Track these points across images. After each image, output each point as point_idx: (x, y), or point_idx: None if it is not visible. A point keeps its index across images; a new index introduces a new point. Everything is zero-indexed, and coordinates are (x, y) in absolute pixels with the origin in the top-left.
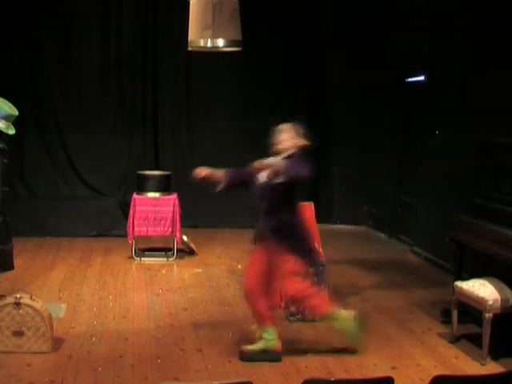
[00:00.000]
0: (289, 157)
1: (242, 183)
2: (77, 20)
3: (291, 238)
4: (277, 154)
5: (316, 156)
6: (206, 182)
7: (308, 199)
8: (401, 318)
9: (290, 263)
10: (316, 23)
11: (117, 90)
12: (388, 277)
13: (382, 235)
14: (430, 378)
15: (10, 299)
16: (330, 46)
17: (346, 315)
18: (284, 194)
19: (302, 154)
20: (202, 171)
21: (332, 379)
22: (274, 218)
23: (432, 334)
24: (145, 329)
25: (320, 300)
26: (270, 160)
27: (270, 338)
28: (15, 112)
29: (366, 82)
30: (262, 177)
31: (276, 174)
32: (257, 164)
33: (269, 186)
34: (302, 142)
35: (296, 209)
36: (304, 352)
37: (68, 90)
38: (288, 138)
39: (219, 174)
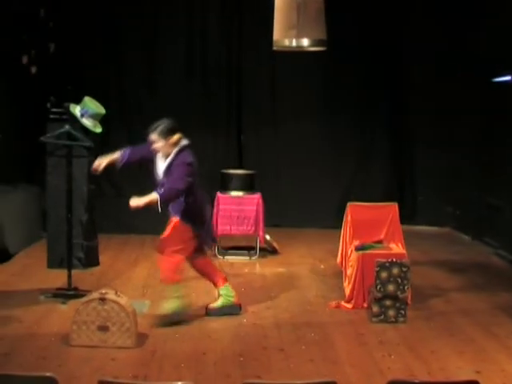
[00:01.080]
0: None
1: (142, 159)
2: (162, 19)
3: (191, 220)
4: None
5: (400, 157)
6: (110, 167)
7: (392, 200)
8: (484, 321)
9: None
10: (398, 22)
11: (201, 89)
12: (472, 279)
13: (466, 237)
14: None
15: (95, 295)
16: (413, 46)
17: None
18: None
19: (182, 149)
20: (98, 163)
21: (416, 381)
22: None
23: None
24: (227, 327)
25: (173, 270)
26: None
27: (227, 294)
28: (102, 110)
29: (450, 82)
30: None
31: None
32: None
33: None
34: (173, 139)
35: (195, 195)
36: (387, 353)
37: (153, 88)
38: (157, 138)
39: (115, 155)
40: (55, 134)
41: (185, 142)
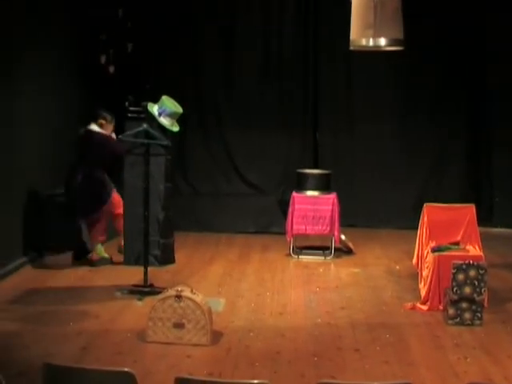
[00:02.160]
0: None
1: None
2: (239, 19)
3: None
4: None
5: (477, 158)
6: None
7: (468, 201)
8: None
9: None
10: (478, 20)
11: (277, 89)
12: None
13: None
14: None
15: (171, 292)
16: (494, 45)
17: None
18: None
19: None
20: None
21: None
22: None
23: None
24: (302, 326)
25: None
26: None
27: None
28: (180, 110)
29: None
30: None
31: None
32: None
33: None
34: None
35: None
36: (463, 357)
37: (230, 88)
38: None
39: None
40: (133, 133)
41: None
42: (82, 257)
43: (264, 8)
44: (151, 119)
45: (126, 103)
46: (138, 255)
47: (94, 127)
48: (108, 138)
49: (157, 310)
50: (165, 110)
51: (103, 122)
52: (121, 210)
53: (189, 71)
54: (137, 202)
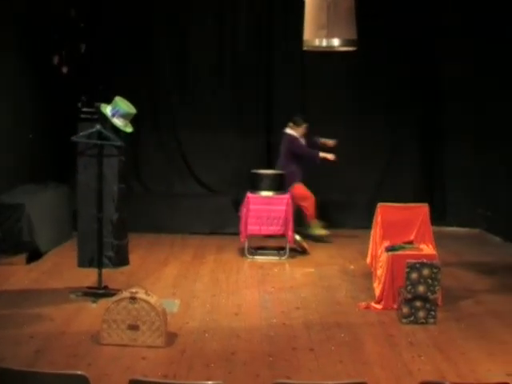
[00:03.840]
0: None
1: None
2: (193, 19)
3: None
4: None
5: (431, 157)
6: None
7: (422, 201)
8: None
9: None
10: (429, 20)
11: (231, 89)
12: (502, 281)
13: (497, 238)
14: None
15: (126, 294)
16: (445, 44)
17: None
18: None
19: None
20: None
21: (446, 383)
22: None
23: None
24: (257, 327)
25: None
26: None
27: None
28: (133, 110)
29: (481, 81)
30: None
31: None
32: None
33: None
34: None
35: None
36: (417, 355)
37: (183, 89)
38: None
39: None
40: (86, 134)
41: None
42: (35, 259)
43: (218, 7)
44: (104, 120)
45: (79, 104)
46: (92, 257)
47: (288, 130)
48: (294, 139)
49: (111, 312)
50: (118, 111)
51: (292, 125)
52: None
53: (142, 72)
54: (90, 203)
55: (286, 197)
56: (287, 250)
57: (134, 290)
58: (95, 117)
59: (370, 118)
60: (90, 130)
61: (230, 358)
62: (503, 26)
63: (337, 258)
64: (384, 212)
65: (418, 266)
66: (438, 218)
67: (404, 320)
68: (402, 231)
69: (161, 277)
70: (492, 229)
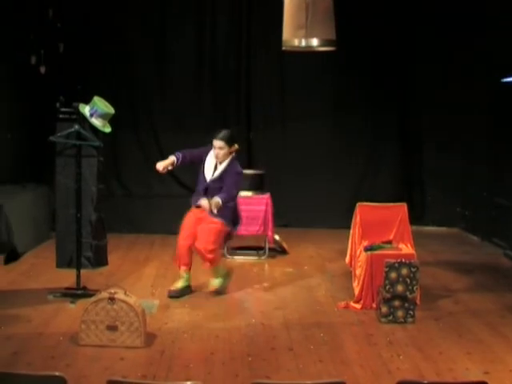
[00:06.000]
0: (225, 170)
1: (192, 162)
2: (171, 19)
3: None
4: (217, 158)
5: (409, 157)
6: (168, 171)
7: (401, 200)
8: (493, 322)
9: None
10: (409, 21)
11: (210, 90)
12: (480, 280)
13: (475, 238)
14: None
15: (104, 294)
16: (424, 46)
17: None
18: None
19: (235, 159)
20: (162, 167)
21: (424, 382)
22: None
23: None
24: (236, 327)
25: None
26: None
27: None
28: (111, 110)
29: (458, 82)
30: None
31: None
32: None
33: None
34: (234, 147)
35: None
36: (396, 354)
37: (163, 89)
38: (223, 145)
39: (171, 158)
40: (64, 134)
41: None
42: (13, 260)
43: (196, 7)
44: (83, 120)
45: (57, 104)
46: (71, 257)
47: None
48: None
49: (90, 312)
50: (96, 111)
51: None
52: None
53: (121, 72)
54: (69, 203)
55: (265, 197)
56: (266, 250)
57: (112, 291)
58: (74, 117)
59: (348, 118)
60: (69, 130)
61: (209, 359)
62: (476, 30)
63: (316, 258)
64: (363, 212)
65: (396, 265)
66: (416, 217)
67: (383, 319)
68: (380, 231)
69: (140, 277)
70: (470, 228)
